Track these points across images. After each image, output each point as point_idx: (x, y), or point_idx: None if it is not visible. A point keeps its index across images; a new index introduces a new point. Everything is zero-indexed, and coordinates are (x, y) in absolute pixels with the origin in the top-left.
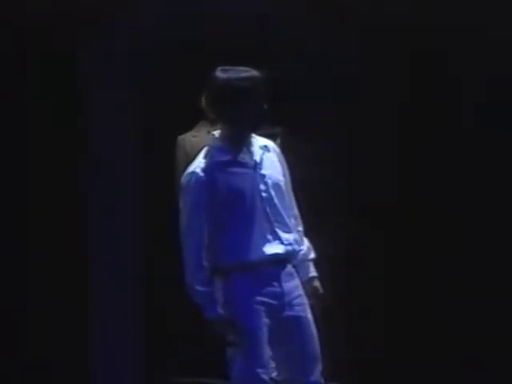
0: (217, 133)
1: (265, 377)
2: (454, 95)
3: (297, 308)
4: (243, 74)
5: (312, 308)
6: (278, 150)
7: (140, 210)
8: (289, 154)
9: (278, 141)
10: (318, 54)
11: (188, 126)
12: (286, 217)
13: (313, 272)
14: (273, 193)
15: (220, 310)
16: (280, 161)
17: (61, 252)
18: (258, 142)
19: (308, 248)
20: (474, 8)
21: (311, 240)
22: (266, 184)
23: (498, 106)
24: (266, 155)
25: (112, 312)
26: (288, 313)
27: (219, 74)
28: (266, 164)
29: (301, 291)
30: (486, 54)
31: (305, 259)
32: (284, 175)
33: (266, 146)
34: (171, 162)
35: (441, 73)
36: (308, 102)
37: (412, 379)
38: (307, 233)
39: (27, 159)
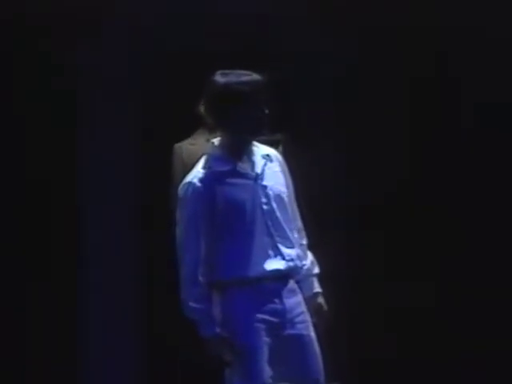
0: (216, 140)
1: None
2: (454, 95)
3: (299, 326)
4: (244, 78)
5: (315, 326)
6: (281, 159)
7: (140, 210)
8: (289, 157)
9: (280, 148)
10: (318, 54)
11: (188, 127)
12: (288, 230)
13: (317, 288)
14: (274, 205)
15: (217, 328)
16: (283, 171)
17: (61, 252)
18: (260, 150)
19: (312, 262)
20: (474, 8)
21: (311, 240)
22: (267, 196)
23: (497, 106)
24: (269, 165)
25: (112, 312)
26: (289, 331)
27: (218, 77)
28: (267, 175)
29: (303, 308)
30: (486, 54)
31: (308, 274)
32: (287, 186)
33: (268, 155)
34: (170, 161)
35: (441, 73)
36: (308, 102)
37: (412, 379)
38: (308, 233)
39: (27, 159)
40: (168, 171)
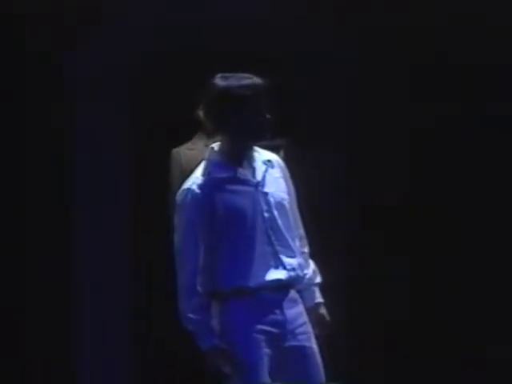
0: (215, 145)
1: None
2: (453, 95)
3: (300, 337)
4: (244, 82)
5: (317, 337)
6: (282, 164)
7: (139, 210)
8: (291, 161)
9: (282, 153)
10: (318, 54)
11: (187, 126)
12: (290, 239)
13: (319, 298)
14: (276, 213)
15: (215, 340)
16: (284, 177)
17: (59, 253)
18: (261, 156)
19: (314, 271)
20: (474, 8)
21: (311, 242)
22: (268, 203)
23: (497, 105)
24: (270, 171)
25: (112, 315)
26: (291, 342)
27: (218, 81)
28: (268, 181)
29: (305, 319)
30: (486, 54)
31: (310, 284)
32: (289, 193)
33: (269, 161)
34: (168, 167)
35: (441, 73)
36: (308, 102)
37: (412, 379)
38: (308, 237)
39: (26, 159)
40: (166, 173)
